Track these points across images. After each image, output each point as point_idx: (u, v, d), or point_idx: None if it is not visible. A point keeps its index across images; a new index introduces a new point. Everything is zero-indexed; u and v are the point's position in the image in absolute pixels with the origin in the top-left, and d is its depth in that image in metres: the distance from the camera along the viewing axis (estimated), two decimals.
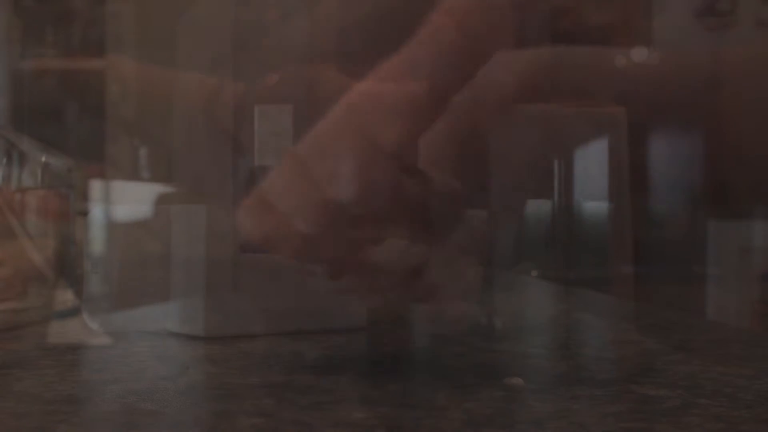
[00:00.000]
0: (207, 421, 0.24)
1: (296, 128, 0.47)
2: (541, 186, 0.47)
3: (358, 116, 0.32)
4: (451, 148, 0.35)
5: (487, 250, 0.46)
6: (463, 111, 0.35)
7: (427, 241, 0.33)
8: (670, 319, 0.52)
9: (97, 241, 0.43)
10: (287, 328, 0.42)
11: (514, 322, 0.49)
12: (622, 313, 0.56)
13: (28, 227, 0.45)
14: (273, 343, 0.39)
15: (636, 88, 0.41)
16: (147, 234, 0.42)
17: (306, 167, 0.31)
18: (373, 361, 0.36)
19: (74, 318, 0.45)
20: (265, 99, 0.44)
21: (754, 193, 0.47)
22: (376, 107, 0.32)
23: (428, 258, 0.33)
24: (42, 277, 0.45)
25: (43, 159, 0.47)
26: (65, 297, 0.47)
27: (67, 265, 0.47)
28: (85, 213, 0.45)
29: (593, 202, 0.51)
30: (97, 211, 0.43)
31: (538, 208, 0.55)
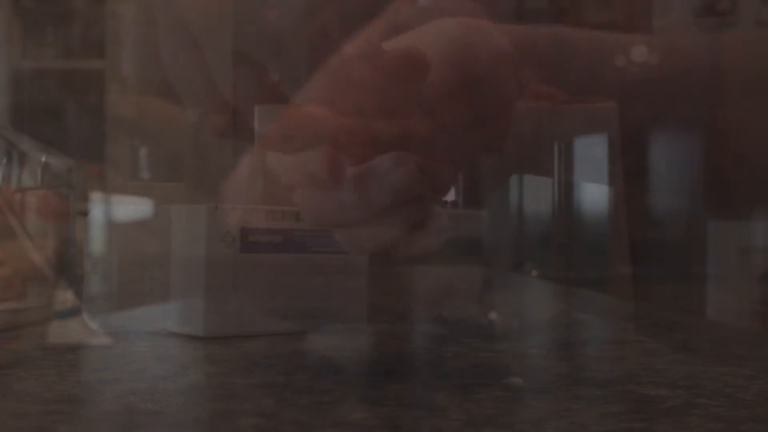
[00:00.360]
0: (207, 421, 0.24)
1: None
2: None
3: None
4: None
5: (487, 250, 0.46)
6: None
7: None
8: (670, 319, 0.52)
9: (97, 241, 0.43)
10: (287, 327, 0.42)
11: (514, 321, 0.49)
12: (622, 313, 0.56)
13: (28, 227, 0.45)
14: (273, 343, 0.39)
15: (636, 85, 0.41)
16: (147, 234, 0.42)
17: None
18: (373, 361, 0.36)
19: (74, 318, 0.45)
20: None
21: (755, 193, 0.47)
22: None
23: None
24: (42, 277, 0.45)
25: (43, 159, 0.47)
26: (65, 297, 0.47)
27: (67, 265, 0.47)
28: (85, 213, 0.45)
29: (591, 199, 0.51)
30: (97, 211, 0.43)
31: (536, 207, 0.55)
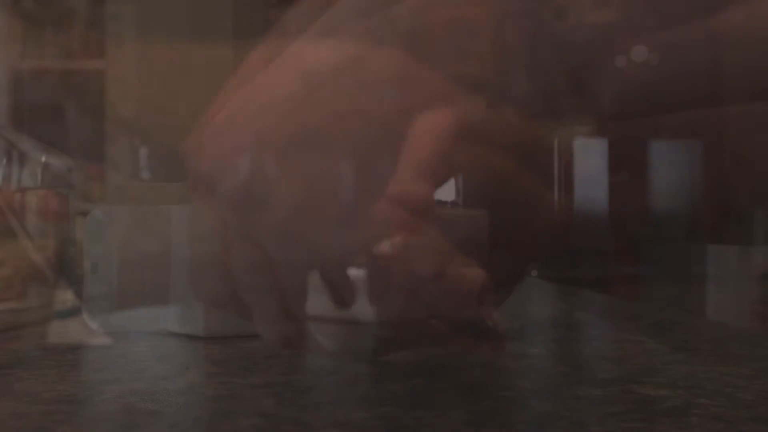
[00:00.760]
0: (207, 421, 0.24)
1: None
2: None
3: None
4: None
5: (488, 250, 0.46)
6: None
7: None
8: (670, 319, 0.52)
9: (97, 241, 0.43)
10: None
11: (514, 321, 0.49)
12: (622, 313, 0.56)
13: (28, 227, 0.45)
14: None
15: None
16: (147, 234, 0.42)
17: None
18: (374, 361, 0.36)
19: (74, 318, 0.45)
20: None
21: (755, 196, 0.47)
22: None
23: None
24: (42, 277, 0.45)
25: (43, 159, 0.47)
26: (65, 297, 0.47)
27: (67, 265, 0.47)
28: (85, 213, 0.45)
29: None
30: (97, 211, 0.42)
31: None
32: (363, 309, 0.45)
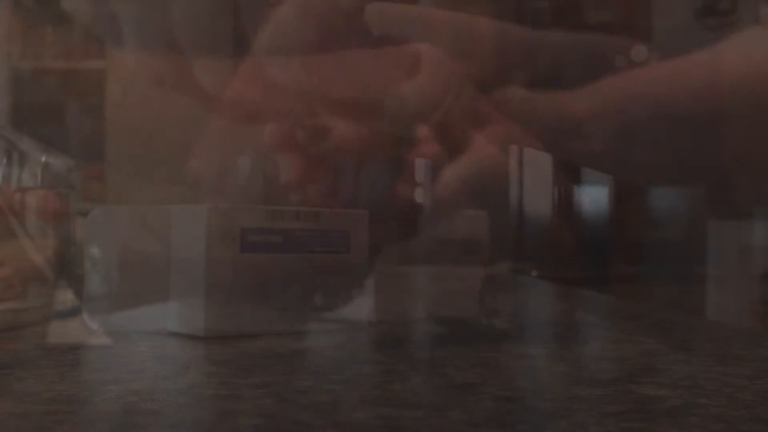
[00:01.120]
0: (207, 421, 0.24)
1: None
2: None
3: None
4: None
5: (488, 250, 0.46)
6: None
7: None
8: (670, 319, 0.52)
9: (97, 240, 0.43)
10: (287, 327, 0.42)
11: (514, 321, 0.49)
12: (622, 313, 0.56)
13: (28, 227, 0.45)
14: (273, 343, 0.39)
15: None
16: (147, 234, 0.42)
17: None
18: (373, 361, 0.36)
19: (74, 318, 0.45)
20: None
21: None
22: None
23: None
24: (42, 277, 0.45)
25: (43, 159, 0.47)
26: (65, 297, 0.47)
27: (67, 265, 0.47)
28: (85, 213, 0.45)
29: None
30: (97, 211, 0.43)
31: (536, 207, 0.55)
32: (362, 309, 0.45)
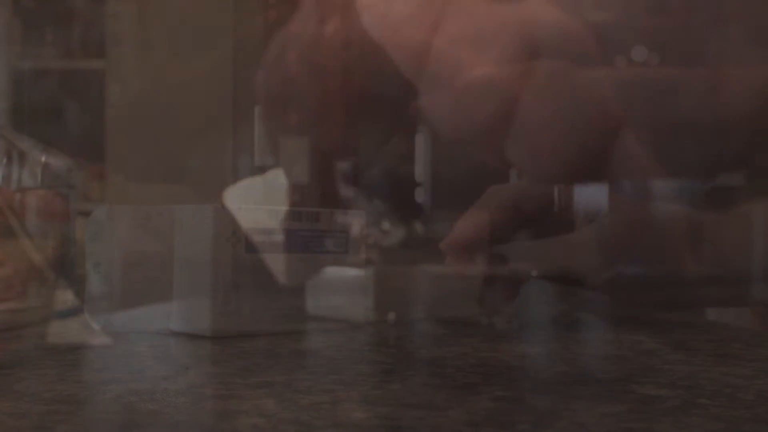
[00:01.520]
0: (207, 421, 0.24)
1: None
2: None
3: None
4: None
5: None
6: None
7: None
8: (670, 319, 0.52)
9: (99, 240, 0.43)
10: (290, 327, 0.42)
11: (514, 321, 0.49)
12: (621, 313, 0.56)
13: (28, 227, 0.45)
14: (273, 343, 0.39)
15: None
16: (149, 234, 0.42)
17: None
18: (373, 361, 0.36)
19: (74, 318, 0.45)
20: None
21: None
22: None
23: None
24: (42, 277, 0.45)
25: (43, 159, 0.47)
26: (65, 297, 0.47)
27: (67, 265, 0.47)
28: (85, 213, 0.45)
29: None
30: (99, 210, 0.43)
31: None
32: (361, 309, 0.45)
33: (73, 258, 0.48)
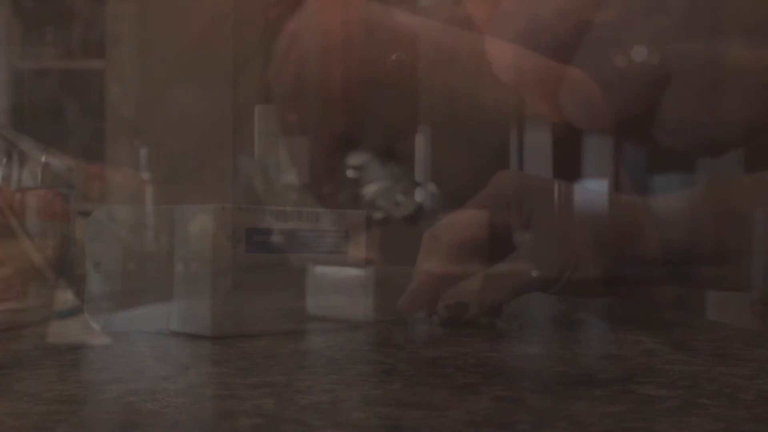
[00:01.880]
0: (207, 421, 0.24)
1: None
2: None
3: None
4: None
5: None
6: None
7: None
8: (670, 319, 0.52)
9: (99, 240, 0.43)
10: (290, 327, 0.42)
11: (514, 321, 0.49)
12: (621, 313, 0.56)
13: (28, 227, 0.45)
14: (273, 343, 0.39)
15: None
16: (149, 234, 0.42)
17: None
18: (373, 361, 0.36)
19: (74, 318, 0.45)
20: None
21: None
22: None
23: None
24: (42, 277, 0.45)
25: (43, 159, 0.47)
26: (65, 297, 0.47)
27: (67, 265, 0.47)
28: (85, 213, 0.45)
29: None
30: (99, 211, 0.43)
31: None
32: (361, 309, 0.45)
33: (73, 258, 0.48)
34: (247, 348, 0.37)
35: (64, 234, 0.47)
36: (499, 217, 0.44)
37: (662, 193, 0.46)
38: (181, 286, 0.41)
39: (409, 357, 0.38)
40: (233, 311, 0.40)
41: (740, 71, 0.38)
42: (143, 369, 0.33)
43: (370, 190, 0.48)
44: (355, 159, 0.49)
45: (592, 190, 0.46)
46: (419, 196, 0.68)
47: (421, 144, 0.65)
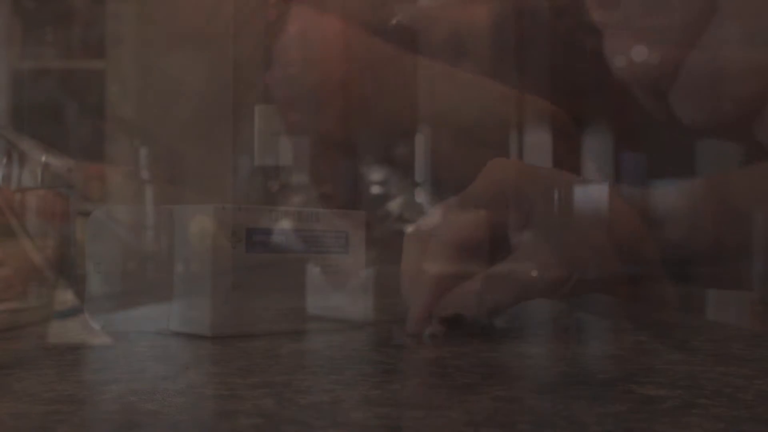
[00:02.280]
0: (207, 421, 0.24)
1: None
2: None
3: None
4: None
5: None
6: None
7: None
8: (670, 319, 0.52)
9: (99, 240, 0.43)
10: (290, 327, 0.42)
11: (514, 322, 0.49)
12: (621, 313, 0.56)
13: (28, 227, 0.45)
14: (273, 343, 0.39)
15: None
16: (150, 234, 0.42)
17: None
18: (373, 361, 0.36)
19: (74, 318, 0.45)
20: None
21: None
22: None
23: None
24: (42, 277, 0.45)
25: (43, 159, 0.47)
26: (65, 297, 0.47)
27: (67, 265, 0.47)
28: (85, 213, 0.45)
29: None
30: (99, 211, 0.43)
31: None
32: (361, 309, 0.45)
33: (73, 258, 0.48)
34: (247, 348, 0.37)
35: (64, 234, 0.47)
36: (497, 213, 0.42)
37: (659, 187, 0.46)
38: (181, 286, 0.41)
39: (409, 357, 0.38)
40: (233, 311, 0.40)
41: None
42: (143, 369, 0.33)
43: (397, 203, 0.47)
44: (376, 174, 0.49)
45: (594, 183, 0.45)
46: (419, 196, 0.68)
47: (421, 144, 0.65)
